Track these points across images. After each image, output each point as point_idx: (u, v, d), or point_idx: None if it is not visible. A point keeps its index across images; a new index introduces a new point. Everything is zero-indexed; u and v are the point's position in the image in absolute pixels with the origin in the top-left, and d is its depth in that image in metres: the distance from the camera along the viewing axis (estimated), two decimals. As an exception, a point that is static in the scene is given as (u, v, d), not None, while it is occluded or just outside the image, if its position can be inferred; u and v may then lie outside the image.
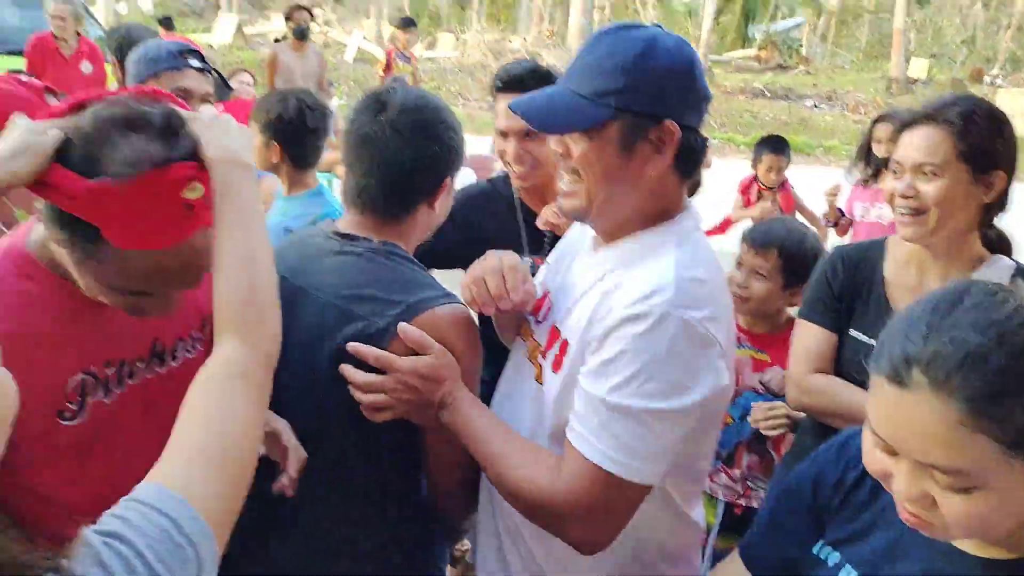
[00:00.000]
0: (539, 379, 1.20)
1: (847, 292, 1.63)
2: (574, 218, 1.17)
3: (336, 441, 1.24)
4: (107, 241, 0.90)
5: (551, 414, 1.15)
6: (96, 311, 1.06)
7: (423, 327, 1.15)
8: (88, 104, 0.96)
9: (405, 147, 1.23)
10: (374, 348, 1.13)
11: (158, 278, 0.97)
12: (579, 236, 1.30)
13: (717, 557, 2.04)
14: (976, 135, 1.44)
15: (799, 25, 31.04)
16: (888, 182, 1.53)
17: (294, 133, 2.24)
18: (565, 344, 1.14)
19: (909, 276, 1.57)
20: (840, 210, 3.83)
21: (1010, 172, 1.48)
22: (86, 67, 5.95)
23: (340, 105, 7.30)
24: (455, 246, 1.71)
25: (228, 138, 0.98)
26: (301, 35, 6.43)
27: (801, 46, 29.27)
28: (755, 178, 4.58)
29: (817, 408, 1.60)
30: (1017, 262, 1.54)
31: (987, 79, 21.22)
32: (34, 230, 1.04)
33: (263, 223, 1.00)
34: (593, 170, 1.07)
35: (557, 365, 1.14)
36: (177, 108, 1.00)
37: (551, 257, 1.39)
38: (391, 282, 1.23)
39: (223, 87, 5.60)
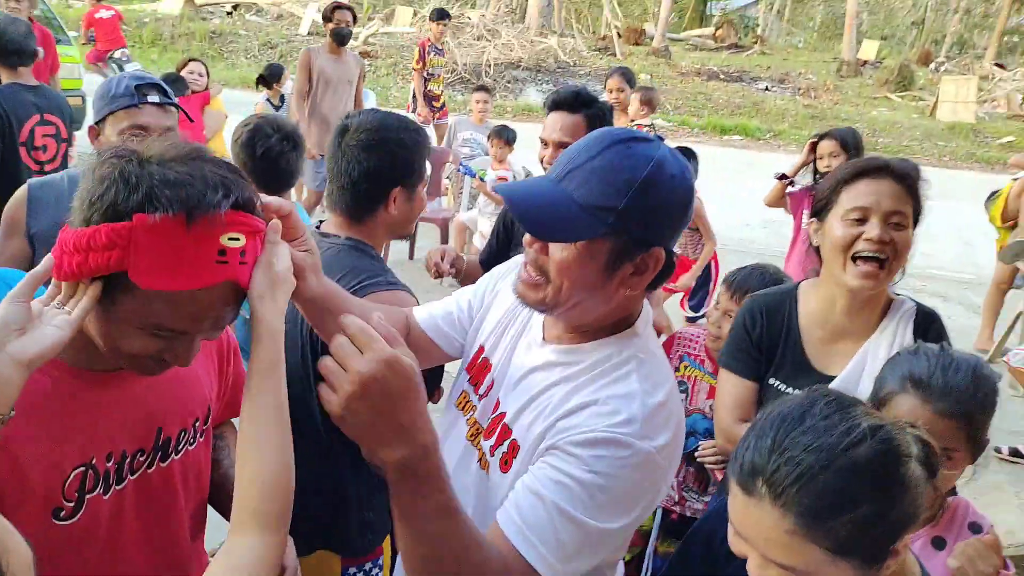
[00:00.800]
0: (483, 465, 1.19)
1: (765, 342, 1.69)
2: (531, 308, 1.13)
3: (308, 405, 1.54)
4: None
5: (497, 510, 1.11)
6: (99, 398, 1.03)
7: None
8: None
9: (356, 163, 1.60)
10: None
11: (181, 318, 0.92)
12: (516, 304, 1.24)
13: (657, 560, 2.23)
14: (919, 191, 1.56)
15: (756, 2, 31.34)
16: (843, 228, 1.54)
17: (243, 159, 2.27)
18: (515, 445, 1.13)
19: (821, 329, 1.65)
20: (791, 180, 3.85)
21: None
22: (39, 53, 5.81)
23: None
24: (503, 249, 2.41)
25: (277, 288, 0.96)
26: (341, 40, 5.52)
27: (758, 24, 29.59)
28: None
29: None
30: (916, 303, 1.65)
31: (932, 65, 21.73)
32: None
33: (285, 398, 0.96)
34: (569, 277, 1.04)
35: (506, 465, 1.13)
36: (240, 175, 0.96)
37: (486, 317, 1.35)
38: (350, 270, 1.58)
39: (178, 83, 5.49)
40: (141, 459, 1.08)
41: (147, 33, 17.22)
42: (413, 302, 1.65)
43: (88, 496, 1.02)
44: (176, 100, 2.00)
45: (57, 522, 0.99)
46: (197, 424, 1.18)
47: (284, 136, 2.30)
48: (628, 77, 5.50)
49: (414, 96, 8.29)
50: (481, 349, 1.32)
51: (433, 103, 8.25)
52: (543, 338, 1.19)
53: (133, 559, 1.09)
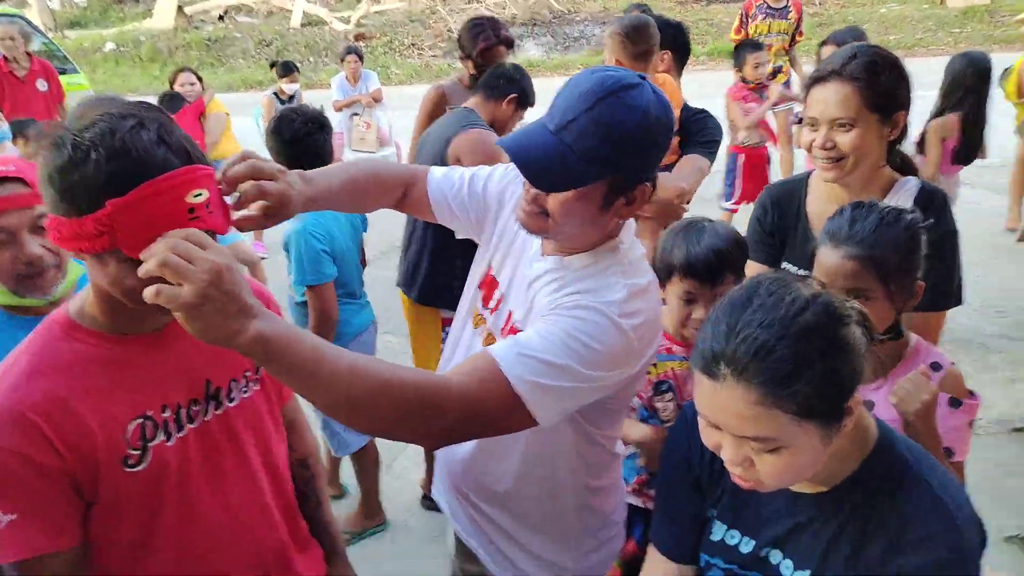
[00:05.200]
0: None
1: (777, 229, 1.83)
2: (530, 232, 1.25)
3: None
4: None
5: None
6: (144, 358, 1.11)
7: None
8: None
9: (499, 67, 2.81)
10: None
11: None
12: (522, 234, 1.36)
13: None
14: (880, 85, 1.59)
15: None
16: (805, 134, 1.69)
17: (275, 146, 2.48)
18: (515, 329, 1.31)
19: (829, 210, 1.70)
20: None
21: (907, 108, 1.65)
22: (41, 85, 5.96)
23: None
24: None
25: None
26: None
27: (750, -60, 28.62)
28: (742, 80, 4.95)
29: None
30: (922, 181, 1.72)
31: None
32: (72, 300, 1.14)
33: None
34: (568, 215, 1.17)
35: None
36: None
37: (495, 232, 1.45)
38: (457, 120, 2.61)
39: (175, 99, 5.50)
40: (196, 409, 1.16)
41: (145, 51, 17.38)
42: (491, 137, 2.53)
43: (151, 444, 1.10)
44: None
45: (128, 470, 1.08)
46: (248, 374, 1.24)
47: (307, 119, 2.47)
48: (646, 11, 5.17)
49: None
50: (490, 267, 1.44)
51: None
52: (542, 253, 1.31)
53: (209, 505, 1.18)
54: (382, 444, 2.84)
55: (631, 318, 1.16)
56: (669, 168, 2.48)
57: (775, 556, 1.07)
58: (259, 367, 1.25)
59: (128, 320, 1.08)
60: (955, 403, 1.44)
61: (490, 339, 1.40)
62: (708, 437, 1.00)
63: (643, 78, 1.14)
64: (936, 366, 1.44)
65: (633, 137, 1.11)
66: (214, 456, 1.19)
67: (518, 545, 1.46)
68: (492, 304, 1.42)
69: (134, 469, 1.09)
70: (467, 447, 1.42)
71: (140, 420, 1.09)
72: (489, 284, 1.44)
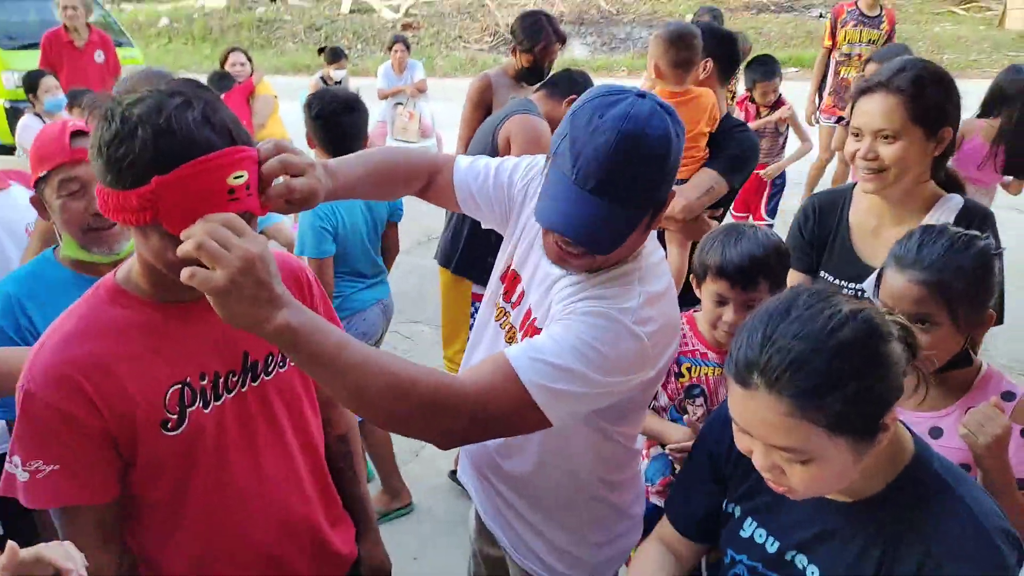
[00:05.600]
0: None
1: (816, 238, 1.83)
2: (570, 271, 1.23)
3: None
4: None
5: None
6: (185, 327, 1.13)
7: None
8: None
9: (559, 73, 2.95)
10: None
11: None
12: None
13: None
14: (926, 98, 1.58)
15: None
16: (849, 144, 1.69)
17: (306, 122, 2.56)
18: (533, 327, 1.33)
19: (869, 222, 1.76)
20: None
21: (955, 125, 1.64)
22: (99, 57, 6.08)
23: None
24: None
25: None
26: (538, 76, 3.35)
27: (806, -50, 28.19)
28: (750, 99, 4.76)
29: None
30: (966, 199, 1.70)
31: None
32: (120, 267, 1.17)
33: None
34: (617, 254, 1.19)
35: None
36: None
37: (518, 227, 1.45)
38: (516, 107, 2.75)
39: (224, 79, 5.57)
40: (234, 379, 1.19)
41: (197, 29, 17.68)
42: (543, 125, 2.64)
43: (189, 410, 1.14)
44: None
45: (166, 433, 1.12)
46: None
47: (337, 99, 2.53)
48: (717, 17, 4.81)
49: (823, 82, 5.68)
50: (512, 260, 1.45)
51: (843, 97, 5.42)
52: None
53: (243, 474, 1.21)
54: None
55: (646, 325, 1.17)
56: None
57: (800, 560, 1.08)
58: None
59: (170, 289, 1.10)
60: None
61: (512, 334, 1.41)
62: (740, 442, 1.01)
63: (642, 95, 1.12)
64: (1009, 395, 1.41)
65: (668, 166, 1.12)
66: (250, 427, 1.21)
67: (535, 531, 1.49)
68: (514, 299, 1.43)
69: (172, 433, 1.12)
70: None
71: (179, 386, 1.12)
72: (511, 279, 1.45)
